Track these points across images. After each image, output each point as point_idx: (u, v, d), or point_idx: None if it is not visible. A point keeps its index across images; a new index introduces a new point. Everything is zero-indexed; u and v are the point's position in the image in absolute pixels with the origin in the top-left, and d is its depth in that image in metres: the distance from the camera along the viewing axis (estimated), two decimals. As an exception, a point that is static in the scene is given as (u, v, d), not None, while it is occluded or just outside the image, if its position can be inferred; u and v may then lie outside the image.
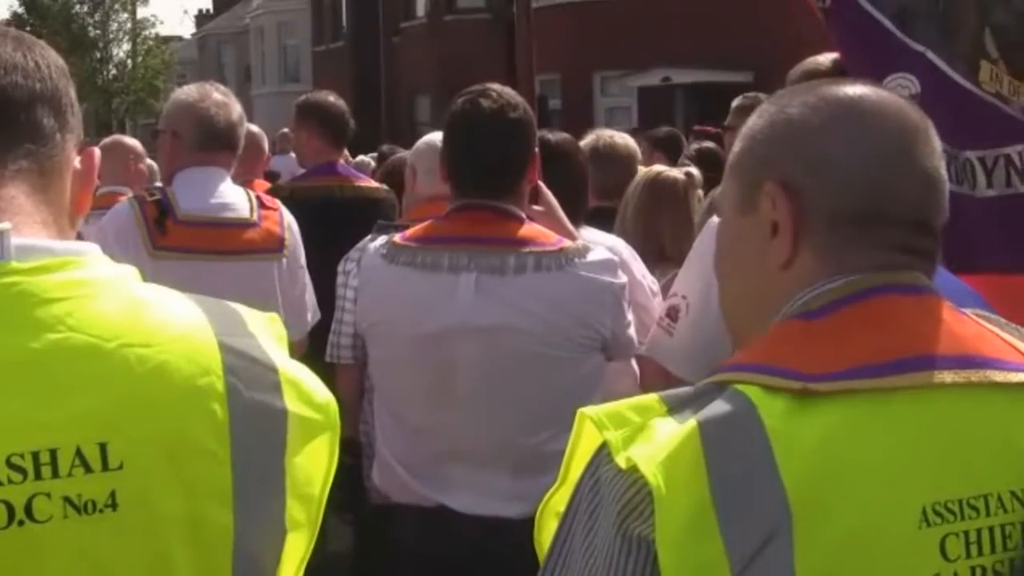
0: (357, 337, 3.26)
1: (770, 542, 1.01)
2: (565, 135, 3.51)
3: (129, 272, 1.18)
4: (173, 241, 3.18)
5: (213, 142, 3.34)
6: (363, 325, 2.78)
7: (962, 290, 1.86)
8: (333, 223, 4.06)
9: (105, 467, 1.07)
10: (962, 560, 1.07)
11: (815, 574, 1.02)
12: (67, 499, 1.06)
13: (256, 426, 1.16)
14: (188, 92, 3.46)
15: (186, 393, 1.12)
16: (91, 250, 1.16)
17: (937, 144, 1.21)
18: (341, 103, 4.80)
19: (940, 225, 1.21)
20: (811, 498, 1.03)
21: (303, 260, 3.49)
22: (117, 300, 1.13)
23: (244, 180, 4.16)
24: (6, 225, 1.10)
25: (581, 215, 3.20)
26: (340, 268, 3.60)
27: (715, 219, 2.77)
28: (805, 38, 3.90)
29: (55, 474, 1.05)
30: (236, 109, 3.43)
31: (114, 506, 1.08)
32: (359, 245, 3.36)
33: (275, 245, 3.36)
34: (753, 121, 1.26)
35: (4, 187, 1.15)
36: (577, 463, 1.13)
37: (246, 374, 1.16)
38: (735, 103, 4.95)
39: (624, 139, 4.23)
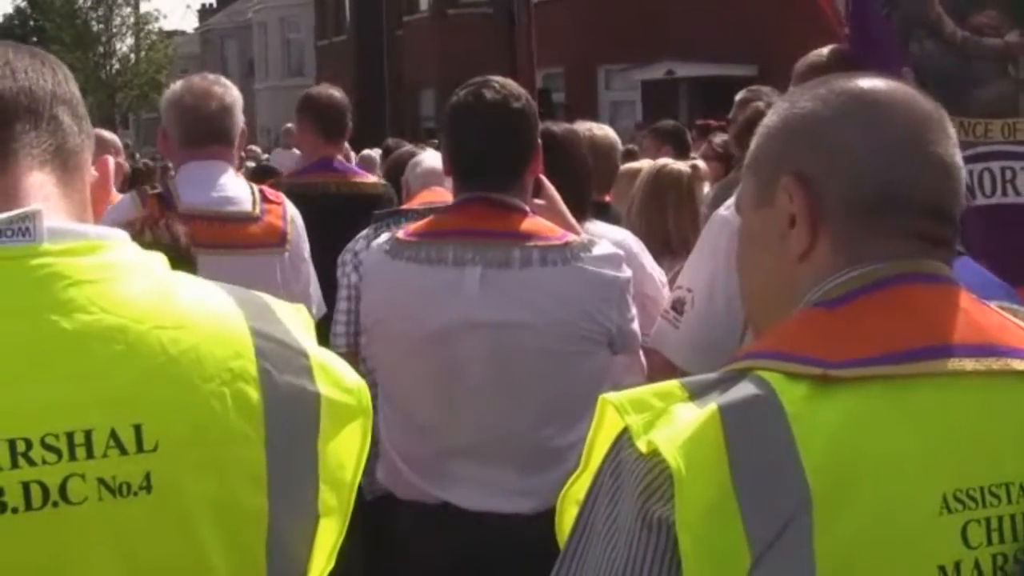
0: (350, 325, 3.27)
1: (790, 526, 1.02)
2: (568, 126, 3.47)
3: (158, 258, 1.18)
4: None
5: (197, 135, 3.29)
6: (368, 322, 2.75)
7: (989, 280, 1.84)
8: (329, 219, 4.01)
9: (140, 449, 1.07)
10: (984, 547, 1.07)
11: (835, 558, 1.02)
12: (102, 481, 1.05)
13: (290, 409, 1.15)
14: (173, 89, 3.42)
15: (219, 375, 1.12)
16: (120, 236, 1.16)
17: (952, 133, 1.21)
18: (339, 97, 4.66)
19: (958, 213, 1.21)
20: (831, 483, 1.03)
21: (307, 254, 3.45)
22: (148, 284, 1.13)
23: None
24: (38, 207, 1.10)
25: (586, 207, 3.16)
26: (339, 260, 3.60)
27: (721, 212, 2.76)
28: (809, 32, 3.89)
29: (90, 455, 1.05)
30: (221, 98, 3.33)
31: (149, 488, 1.07)
32: (359, 236, 3.36)
33: (277, 239, 3.33)
34: (767, 118, 1.27)
35: (34, 174, 1.16)
36: (599, 449, 1.13)
37: (277, 358, 1.16)
38: (738, 97, 4.94)
39: (604, 131, 4.16)
